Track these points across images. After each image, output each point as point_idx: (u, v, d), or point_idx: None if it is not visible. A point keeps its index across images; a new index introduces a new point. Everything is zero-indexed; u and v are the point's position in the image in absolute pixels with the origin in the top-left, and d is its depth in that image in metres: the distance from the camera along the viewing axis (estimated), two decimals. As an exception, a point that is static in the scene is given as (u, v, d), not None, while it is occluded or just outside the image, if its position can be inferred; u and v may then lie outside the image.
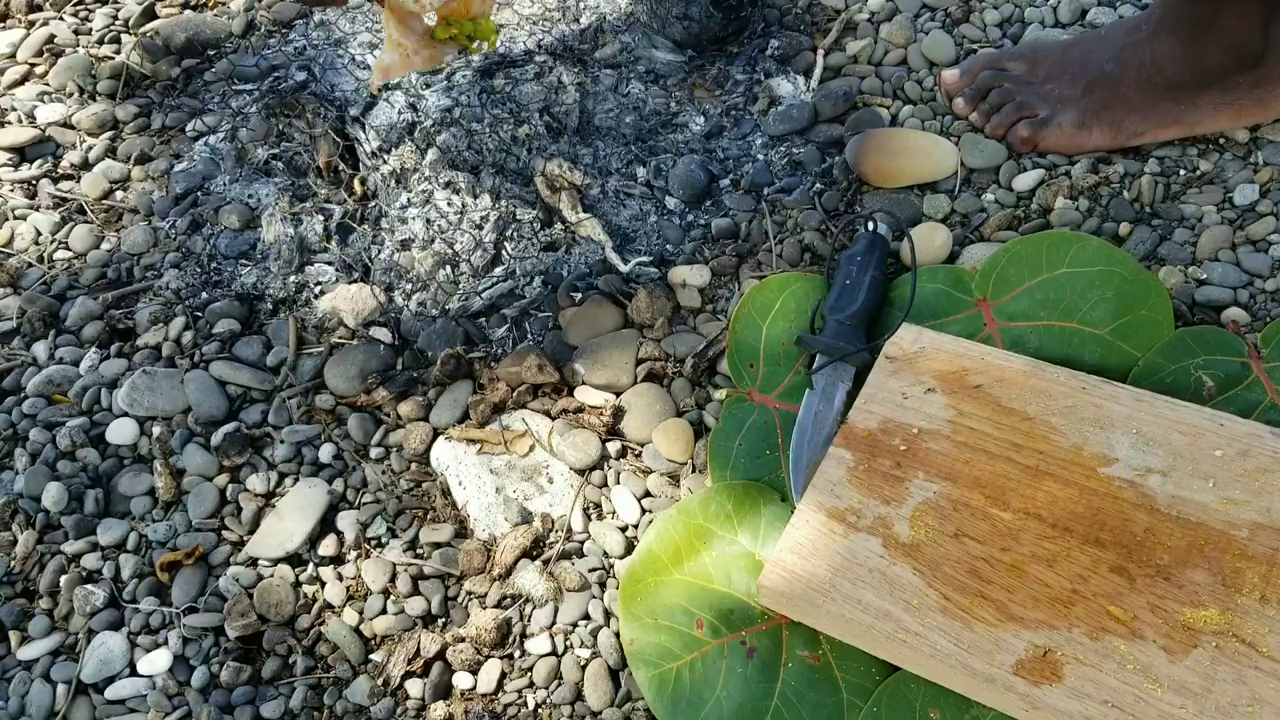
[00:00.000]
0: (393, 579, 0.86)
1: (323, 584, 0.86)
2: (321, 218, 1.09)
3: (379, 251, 1.06)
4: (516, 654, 0.81)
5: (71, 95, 1.25)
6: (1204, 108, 0.99)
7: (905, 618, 0.71)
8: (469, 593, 0.85)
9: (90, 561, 0.88)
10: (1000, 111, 1.04)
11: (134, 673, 0.83)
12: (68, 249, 1.12)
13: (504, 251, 1.05)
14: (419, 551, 0.87)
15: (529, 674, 0.80)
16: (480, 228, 1.06)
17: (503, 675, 0.80)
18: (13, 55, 1.31)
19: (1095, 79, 1.01)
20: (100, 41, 1.31)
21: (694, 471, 0.88)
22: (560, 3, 1.28)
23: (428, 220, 1.07)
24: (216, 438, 0.94)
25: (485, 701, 0.79)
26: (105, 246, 1.12)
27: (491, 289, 1.03)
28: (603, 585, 0.84)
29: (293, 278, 1.06)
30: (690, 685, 0.74)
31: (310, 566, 0.87)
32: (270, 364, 1.00)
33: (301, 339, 1.01)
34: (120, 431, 0.96)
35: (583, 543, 0.86)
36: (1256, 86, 0.97)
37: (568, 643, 0.81)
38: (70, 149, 1.20)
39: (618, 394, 0.94)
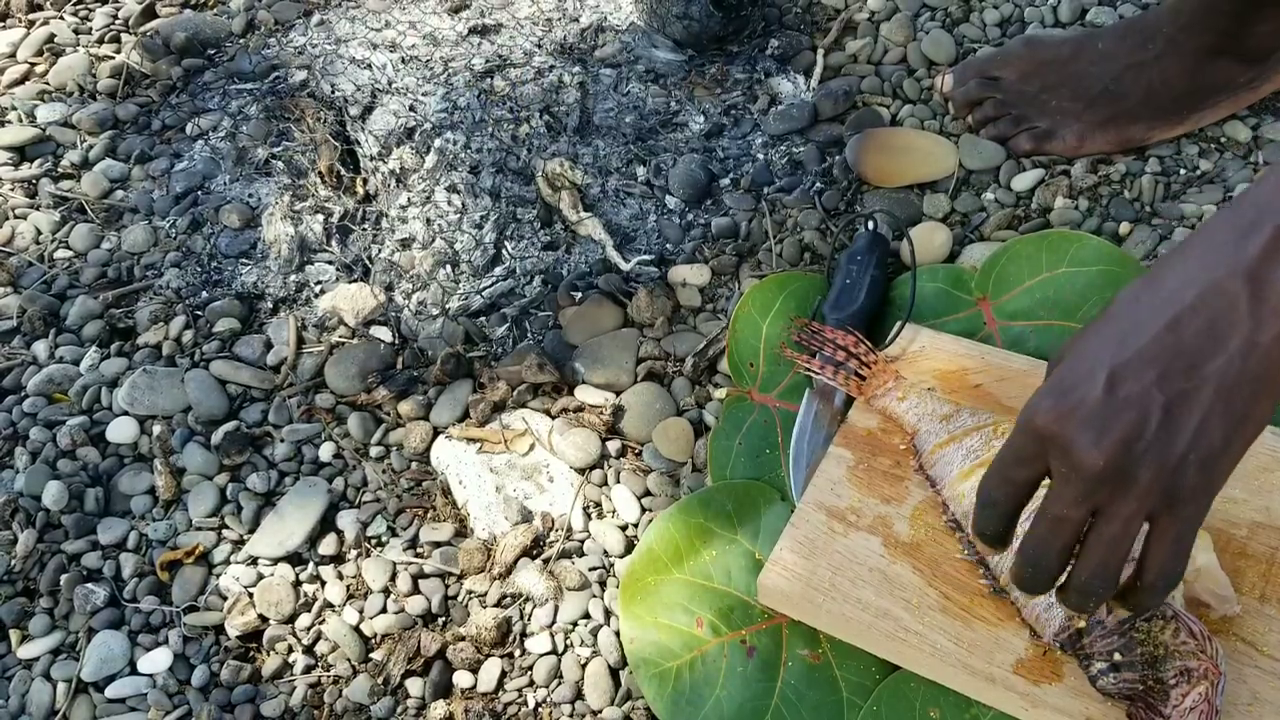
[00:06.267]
0: (393, 578, 0.86)
1: (323, 583, 0.86)
2: (321, 217, 1.09)
3: (379, 251, 1.06)
4: (517, 653, 0.81)
5: (72, 94, 1.25)
6: (1206, 109, 0.99)
7: (905, 617, 0.71)
8: (469, 592, 0.85)
9: (90, 560, 0.88)
10: (996, 123, 1.04)
11: (134, 671, 0.83)
12: (68, 248, 1.12)
13: (504, 251, 1.05)
14: (419, 550, 0.87)
15: (529, 673, 0.80)
16: (480, 227, 1.06)
17: (503, 674, 0.80)
18: (13, 54, 1.31)
19: (1098, 96, 1.00)
20: (100, 41, 1.31)
21: (694, 470, 0.88)
22: (560, 3, 1.28)
23: (428, 220, 1.07)
24: (217, 436, 0.94)
25: (485, 700, 0.79)
26: (105, 245, 1.12)
27: (492, 288, 1.03)
28: (603, 584, 0.84)
29: (293, 277, 1.06)
30: (690, 684, 0.74)
31: (310, 565, 0.87)
32: (270, 363, 1.00)
33: (301, 338, 1.01)
34: (120, 430, 0.96)
35: (583, 541, 0.86)
36: (1256, 79, 0.98)
37: (568, 641, 0.81)
38: (70, 148, 1.20)
39: (618, 393, 0.94)
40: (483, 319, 1.01)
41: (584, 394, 0.94)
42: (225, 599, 0.85)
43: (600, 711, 0.78)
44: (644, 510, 0.87)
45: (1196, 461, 0.48)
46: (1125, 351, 0.49)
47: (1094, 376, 0.49)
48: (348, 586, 0.86)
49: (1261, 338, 0.48)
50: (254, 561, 0.88)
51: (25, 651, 0.84)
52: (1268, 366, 0.48)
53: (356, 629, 0.84)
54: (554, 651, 0.81)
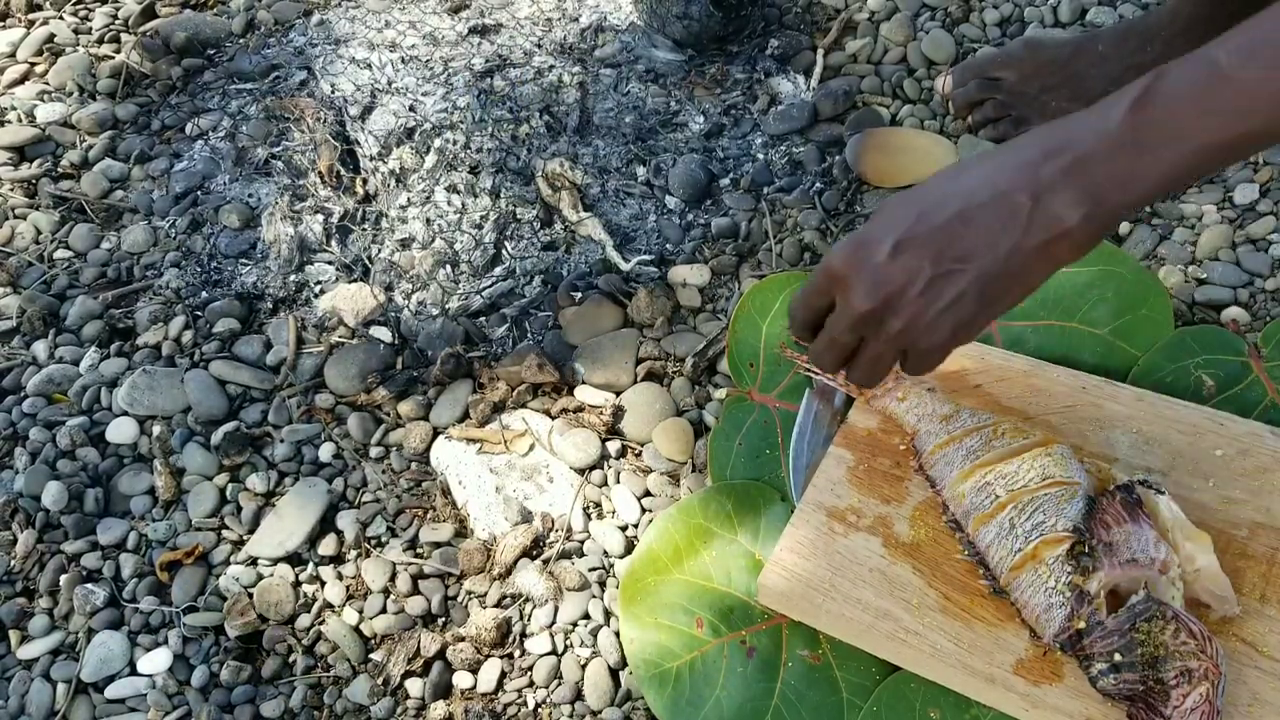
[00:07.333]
0: (393, 578, 0.86)
1: (322, 583, 0.86)
2: (321, 217, 1.09)
3: (379, 251, 1.06)
4: (516, 653, 0.81)
5: (71, 94, 1.25)
6: None
7: (905, 617, 0.71)
8: (469, 592, 0.85)
9: (90, 561, 0.88)
10: (996, 124, 1.04)
11: (134, 672, 0.83)
12: (68, 248, 1.12)
13: (504, 251, 1.05)
14: (419, 551, 0.87)
15: (529, 673, 0.80)
16: (480, 227, 1.06)
17: (503, 674, 0.80)
18: (13, 54, 1.31)
19: (1098, 97, 1.00)
20: (100, 41, 1.31)
21: (694, 471, 0.88)
22: (560, 3, 1.28)
23: (428, 220, 1.07)
24: (216, 437, 0.94)
25: (485, 701, 0.79)
26: (105, 245, 1.12)
27: (491, 288, 1.03)
28: (603, 584, 0.84)
29: (293, 277, 1.06)
30: (690, 684, 0.74)
31: (310, 566, 0.87)
32: (270, 363, 1.00)
33: (301, 338, 1.01)
34: (120, 431, 0.95)
35: (583, 542, 0.86)
36: None
37: (568, 642, 0.81)
38: (70, 148, 1.20)
39: (618, 393, 0.94)
40: (483, 319, 1.01)
41: (584, 394, 0.94)
42: (225, 599, 0.85)
43: (600, 712, 0.78)
44: (644, 510, 0.87)
45: (945, 325, 0.60)
46: (918, 227, 0.59)
47: (884, 240, 0.59)
48: (347, 587, 0.86)
49: (1026, 244, 0.57)
50: (254, 562, 0.87)
51: (25, 652, 0.84)
52: (1024, 267, 0.58)
53: (356, 629, 0.84)
54: (554, 652, 0.81)
